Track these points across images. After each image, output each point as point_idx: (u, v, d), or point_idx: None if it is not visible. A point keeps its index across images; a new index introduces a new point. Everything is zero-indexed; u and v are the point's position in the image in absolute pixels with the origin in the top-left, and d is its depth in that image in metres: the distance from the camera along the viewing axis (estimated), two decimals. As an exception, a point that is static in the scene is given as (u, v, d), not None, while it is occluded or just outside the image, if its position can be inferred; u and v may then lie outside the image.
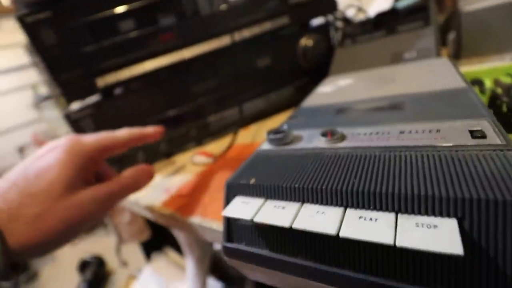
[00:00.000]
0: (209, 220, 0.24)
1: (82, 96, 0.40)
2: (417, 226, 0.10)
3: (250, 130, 0.46)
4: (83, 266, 1.48)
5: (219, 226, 0.23)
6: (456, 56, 0.46)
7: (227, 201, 0.16)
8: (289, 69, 0.48)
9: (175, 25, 0.41)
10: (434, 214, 0.10)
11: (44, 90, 2.20)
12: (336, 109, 0.23)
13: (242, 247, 0.15)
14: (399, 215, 0.11)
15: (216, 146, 0.43)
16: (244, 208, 0.14)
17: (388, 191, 0.11)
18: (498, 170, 0.10)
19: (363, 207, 0.11)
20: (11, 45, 2.08)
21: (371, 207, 0.11)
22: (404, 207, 0.11)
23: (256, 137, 0.42)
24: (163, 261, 1.00)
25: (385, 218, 0.11)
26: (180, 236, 0.69)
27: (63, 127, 2.02)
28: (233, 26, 0.43)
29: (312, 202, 0.13)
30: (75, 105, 0.43)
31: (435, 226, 0.10)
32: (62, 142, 0.22)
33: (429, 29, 0.39)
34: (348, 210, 0.12)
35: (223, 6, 0.42)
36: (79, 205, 0.20)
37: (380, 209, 0.11)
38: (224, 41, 0.43)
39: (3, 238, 0.17)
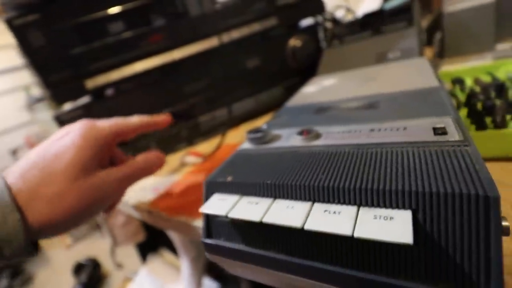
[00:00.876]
0: (194, 219, 0.25)
1: (71, 97, 0.40)
2: (375, 218, 0.11)
3: (239, 130, 0.46)
4: (78, 269, 1.47)
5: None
6: (440, 56, 0.47)
7: (206, 198, 0.16)
8: (278, 69, 0.49)
9: (164, 26, 0.41)
10: (391, 206, 0.11)
11: (37, 91, 2.18)
12: (316, 109, 0.23)
13: (221, 242, 0.15)
14: (361, 208, 0.11)
15: (207, 146, 0.44)
16: (221, 204, 0.14)
17: (350, 186, 0.12)
18: (452, 165, 0.11)
19: (328, 201, 0.12)
20: (3, 46, 2.06)
21: (336, 201, 0.12)
22: (364, 201, 0.11)
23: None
24: (159, 262, 1.00)
25: (347, 211, 0.11)
26: (175, 237, 0.69)
27: (56, 129, 2.00)
28: (222, 27, 0.44)
29: (284, 197, 0.13)
30: (67, 107, 0.43)
31: (391, 218, 0.10)
32: (78, 126, 0.23)
33: (412, 29, 0.40)
34: (316, 204, 0.12)
35: (212, 7, 0.42)
36: (95, 186, 0.21)
37: (344, 202, 0.12)
38: (213, 42, 0.44)
39: (24, 217, 0.18)
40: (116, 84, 0.41)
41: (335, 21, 0.58)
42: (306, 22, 0.52)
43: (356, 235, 0.10)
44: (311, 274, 0.12)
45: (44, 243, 1.94)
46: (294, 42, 0.48)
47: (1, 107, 2.11)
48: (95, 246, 1.72)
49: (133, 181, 0.24)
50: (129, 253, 1.19)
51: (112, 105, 0.42)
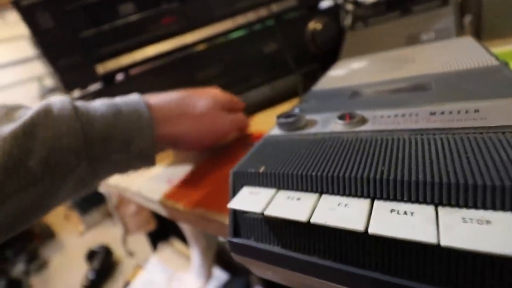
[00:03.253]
0: (213, 212, 0.23)
1: (82, 83, 0.38)
2: (465, 221, 0.08)
3: (255, 119, 0.44)
4: (91, 255, 1.50)
5: (224, 218, 0.22)
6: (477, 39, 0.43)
7: (234, 191, 0.14)
8: (296, 54, 0.46)
9: (177, 8, 0.38)
10: (484, 207, 0.08)
11: (49, 82, 2.20)
12: (350, 92, 0.21)
13: (251, 242, 0.13)
14: (439, 208, 0.09)
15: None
16: (253, 199, 0.12)
17: (426, 180, 0.09)
18: None
19: (394, 199, 0.10)
20: (16, 37, 2.07)
21: (405, 199, 0.09)
22: (446, 199, 0.09)
23: (261, 125, 0.40)
24: (169, 251, 1.01)
25: (424, 212, 0.09)
26: (185, 227, 0.68)
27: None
28: (238, 9, 0.41)
29: (332, 192, 0.11)
30: (75, 95, 0.41)
31: (487, 222, 0.08)
32: (213, 88, 0.33)
33: (447, 8, 0.37)
34: (376, 202, 0.10)
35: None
36: (219, 118, 0.29)
37: (416, 201, 0.09)
38: (228, 25, 0.41)
39: (155, 123, 0.24)
40: (127, 69, 0.39)
41: (356, 2, 0.54)
42: (326, 3, 0.49)
43: (443, 243, 0.08)
44: (366, 286, 0.10)
45: (59, 228, 2.00)
46: (314, 25, 0.45)
47: (15, 97, 2.14)
48: (107, 234, 1.76)
49: (235, 127, 0.32)
50: (140, 241, 1.21)
51: (122, 91, 0.40)
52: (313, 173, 0.11)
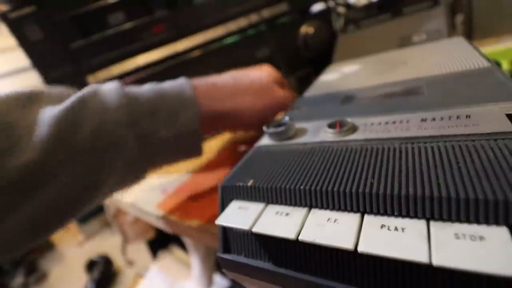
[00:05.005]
0: (207, 225, 0.23)
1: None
2: (457, 237, 0.08)
3: (250, 125, 0.44)
4: (91, 265, 1.48)
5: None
6: (468, 38, 0.43)
7: (222, 206, 0.14)
8: (289, 59, 0.46)
9: (167, 16, 0.38)
10: (478, 221, 0.08)
11: (44, 92, 2.19)
12: (342, 98, 0.20)
13: (241, 259, 0.13)
14: (432, 223, 0.09)
15: (216, 143, 0.41)
16: (242, 215, 0.12)
17: (417, 194, 0.09)
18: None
19: (385, 214, 0.09)
20: (11, 48, 2.07)
21: (396, 214, 0.09)
22: (438, 213, 0.08)
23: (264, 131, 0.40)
24: (169, 259, 1.00)
25: (415, 228, 0.08)
26: (184, 235, 0.68)
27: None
28: (229, 15, 0.41)
29: (322, 207, 0.11)
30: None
31: (481, 238, 0.08)
32: (266, 66, 0.32)
33: (438, 9, 0.37)
34: (366, 217, 0.09)
35: (217, -7, 0.39)
36: (277, 93, 0.29)
37: (407, 215, 0.09)
38: (219, 31, 0.41)
39: (195, 101, 0.24)
40: (118, 79, 0.39)
41: (347, 5, 0.54)
42: (317, 7, 0.49)
43: (435, 263, 0.07)
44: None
45: (58, 239, 1.97)
46: (306, 29, 0.45)
47: (11, 107, 2.12)
48: (106, 243, 1.74)
49: (290, 100, 0.30)
50: (140, 250, 1.19)
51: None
52: (302, 187, 0.11)
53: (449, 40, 0.26)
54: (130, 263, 1.38)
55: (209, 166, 0.34)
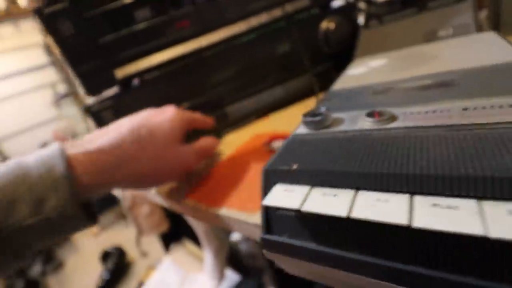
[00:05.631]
0: (235, 211, 0.23)
1: (101, 87, 0.40)
2: (510, 213, 0.08)
3: (269, 120, 0.44)
4: (105, 256, 1.53)
5: (247, 217, 0.22)
6: (496, 34, 0.42)
7: (266, 189, 0.14)
8: (309, 54, 0.46)
9: (192, 12, 0.39)
10: (532, 200, 0.08)
11: (62, 88, 2.26)
12: (374, 90, 0.21)
13: (285, 239, 0.13)
14: (483, 202, 0.09)
15: (236, 136, 0.42)
16: (289, 196, 0.12)
17: (469, 175, 0.09)
18: None
19: (436, 194, 0.10)
20: (31, 45, 2.14)
21: (447, 193, 0.09)
22: (490, 193, 0.09)
23: (276, 126, 0.41)
24: (182, 252, 1.02)
25: (468, 206, 0.09)
26: (198, 228, 0.69)
27: (82, 123, 2.07)
28: (252, 10, 0.41)
29: (370, 189, 0.11)
30: (91, 100, 0.42)
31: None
32: (171, 109, 0.29)
33: (465, 3, 0.36)
34: (417, 197, 0.10)
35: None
36: (180, 154, 0.26)
37: (459, 195, 0.09)
38: (242, 26, 0.42)
39: (72, 172, 0.19)
40: (144, 73, 0.40)
41: (368, 0, 0.54)
42: (338, 2, 0.49)
43: (493, 236, 0.08)
44: (411, 281, 0.10)
45: (73, 231, 2.04)
46: (327, 24, 0.45)
47: (30, 103, 2.20)
48: (120, 235, 1.79)
49: (202, 157, 0.30)
50: (152, 242, 1.22)
51: (140, 95, 0.41)
52: (349, 169, 0.11)
53: (481, 35, 0.26)
54: (144, 254, 1.42)
55: (231, 157, 0.34)
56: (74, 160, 0.20)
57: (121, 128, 0.24)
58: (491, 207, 0.09)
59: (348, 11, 0.47)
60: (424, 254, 0.10)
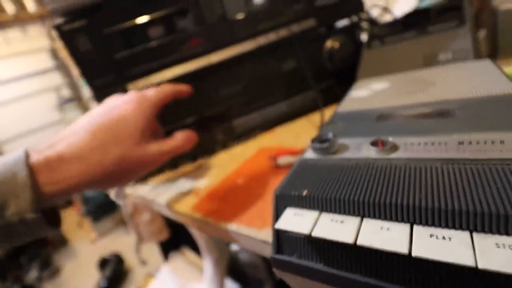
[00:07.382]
0: (245, 227, 0.24)
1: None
2: (498, 246, 0.09)
3: (274, 134, 0.46)
4: (103, 263, 1.52)
5: (256, 233, 0.23)
6: (492, 56, 0.44)
7: (277, 212, 0.15)
8: (313, 71, 0.48)
9: (203, 30, 0.41)
10: (517, 235, 0.10)
11: (67, 92, 2.29)
12: (376, 115, 0.22)
13: (294, 259, 0.15)
14: (475, 234, 0.10)
15: (242, 149, 0.43)
16: (299, 220, 0.14)
17: (462, 209, 0.10)
18: None
19: (432, 225, 0.11)
20: (37, 49, 2.18)
21: (442, 225, 0.11)
22: (480, 226, 0.10)
23: (281, 140, 0.42)
24: (181, 261, 1.01)
25: (460, 237, 0.10)
26: (198, 237, 0.70)
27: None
28: (261, 29, 0.43)
29: (373, 217, 0.12)
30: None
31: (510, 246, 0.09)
32: (132, 97, 0.25)
33: (464, 28, 0.38)
34: (416, 227, 0.11)
35: (252, 10, 0.42)
36: (148, 157, 0.24)
37: (453, 227, 0.11)
38: (251, 44, 0.43)
39: (34, 179, 0.19)
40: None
41: (371, 21, 0.56)
42: (342, 22, 0.51)
43: (481, 266, 0.09)
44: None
45: (72, 236, 2.03)
46: (332, 43, 0.47)
47: (34, 107, 2.23)
48: (119, 242, 1.78)
49: (172, 156, 0.26)
50: (151, 250, 1.22)
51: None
52: (356, 198, 0.13)
53: (477, 63, 0.28)
54: (143, 262, 1.41)
55: (239, 170, 0.36)
56: (36, 167, 0.20)
57: (82, 130, 0.22)
58: (481, 239, 0.10)
59: (352, 30, 0.49)
60: (422, 277, 0.11)
